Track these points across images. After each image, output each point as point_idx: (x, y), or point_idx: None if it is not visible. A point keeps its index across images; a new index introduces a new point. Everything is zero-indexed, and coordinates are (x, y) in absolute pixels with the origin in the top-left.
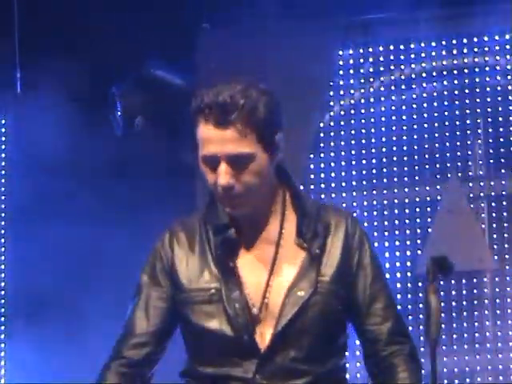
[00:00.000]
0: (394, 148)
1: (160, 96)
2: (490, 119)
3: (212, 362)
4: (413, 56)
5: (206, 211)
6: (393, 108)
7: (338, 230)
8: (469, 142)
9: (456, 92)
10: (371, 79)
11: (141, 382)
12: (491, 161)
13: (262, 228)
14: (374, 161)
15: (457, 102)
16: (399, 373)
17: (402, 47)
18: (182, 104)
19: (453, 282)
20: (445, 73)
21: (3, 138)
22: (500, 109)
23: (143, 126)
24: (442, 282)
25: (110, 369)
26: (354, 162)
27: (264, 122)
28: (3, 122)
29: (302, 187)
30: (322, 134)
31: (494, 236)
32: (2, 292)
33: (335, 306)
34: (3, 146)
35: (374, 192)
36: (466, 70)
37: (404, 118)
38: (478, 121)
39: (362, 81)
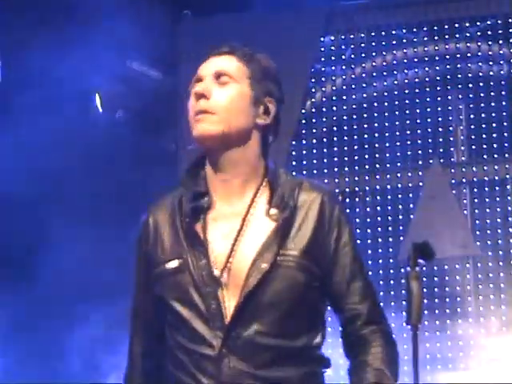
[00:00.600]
0: (376, 134)
1: (137, 88)
2: (471, 105)
3: (184, 338)
4: (394, 42)
5: (185, 179)
6: (375, 94)
7: (312, 205)
8: (451, 128)
9: (438, 78)
10: (353, 66)
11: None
12: (473, 147)
13: (236, 199)
14: (355, 147)
15: (438, 88)
16: (373, 347)
17: (383, 33)
18: (160, 95)
19: (435, 267)
20: (426, 59)
21: None
22: (482, 95)
23: (124, 118)
24: (424, 268)
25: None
26: (335, 149)
27: (260, 69)
28: None
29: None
30: (303, 121)
31: (477, 222)
32: None
33: (303, 280)
34: None
35: (356, 178)
36: (447, 56)
37: (386, 104)
38: (460, 107)
39: (344, 67)
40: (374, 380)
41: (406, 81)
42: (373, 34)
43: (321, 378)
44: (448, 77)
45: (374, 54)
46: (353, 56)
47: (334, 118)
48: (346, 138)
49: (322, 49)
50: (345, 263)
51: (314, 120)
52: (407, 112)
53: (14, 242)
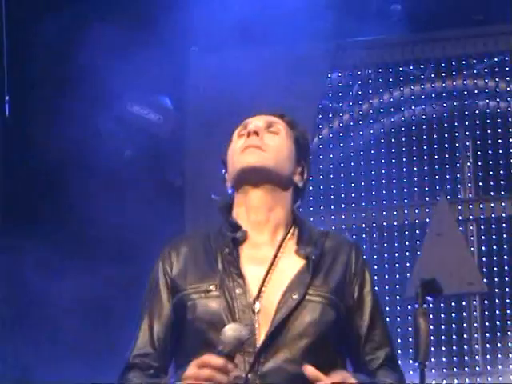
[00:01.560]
0: (383, 170)
1: (139, 132)
2: (478, 142)
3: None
4: (401, 79)
5: (220, 225)
6: (382, 130)
7: (341, 250)
8: (458, 165)
9: (445, 115)
10: (360, 102)
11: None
12: (480, 183)
13: (266, 241)
14: (363, 183)
15: (446, 125)
16: (379, 377)
17: (390, 70)
18: (161, 137)
19: (442, 304)
20: (433, 96)
21: None
22: (489, 131)
23: (132, 158)
24: (431, 305)
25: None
26: (342, 185)
27: (301, 136)
28: None
29: None
30: (310, 157)
31: (483, 259)
32: None
33: (330, 315)
34: None
35: (363, 215)
36: (454, 93)
37: (393, 140)
38: (467, 143)
39: (351, 103)
40: None
41: (413, 117)
42: (380, 70)
43: None
44: (455, 113)
45: (380, 90)
46: (360, 92)
47: (341, 155)
48: (352, 174)
49: (330, 85)
50: (366, 310)
51: (321, 156)
52: (414, 149)
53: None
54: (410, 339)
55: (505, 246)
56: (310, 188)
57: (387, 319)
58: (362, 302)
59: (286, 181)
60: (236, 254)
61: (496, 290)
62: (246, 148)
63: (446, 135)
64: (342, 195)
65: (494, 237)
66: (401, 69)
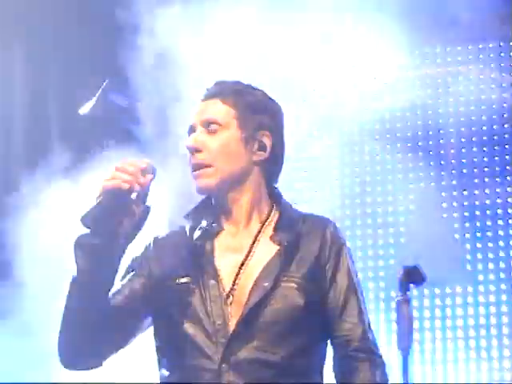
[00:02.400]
0: (367, 157)
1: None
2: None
3: (182, 355)
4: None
5: (195, 209)
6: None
7: (316, 233)
8: (442, 152)
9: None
10: None
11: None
12: (464, 170)
13: (243, 229)
14: (356, 169)
15: (430, 112)
16: (361, 372)
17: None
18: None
19: (425, 291)
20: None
21: None
22: (474, 118)
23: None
24: (414, 292)
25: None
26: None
27: (247, 106)
28: None
29: None
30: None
31: (467, 246)
32: None
33: (302, 302)
34: None
35: (347, 201)
36: (439, 81)
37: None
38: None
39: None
40: None
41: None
42: None
43: None
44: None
45: None
46: None
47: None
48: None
49: None
50: (340, 290)
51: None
52: (398, 135)
53: None
54: (394, 325)
55: (488, 233)
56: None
57: (370, 306)
58: (336, 283)
59: (244, 172)
60: (210, 246)
61: (479, 277)
62: (193, 170)
63: (430, 122)
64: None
65: (477, 224)
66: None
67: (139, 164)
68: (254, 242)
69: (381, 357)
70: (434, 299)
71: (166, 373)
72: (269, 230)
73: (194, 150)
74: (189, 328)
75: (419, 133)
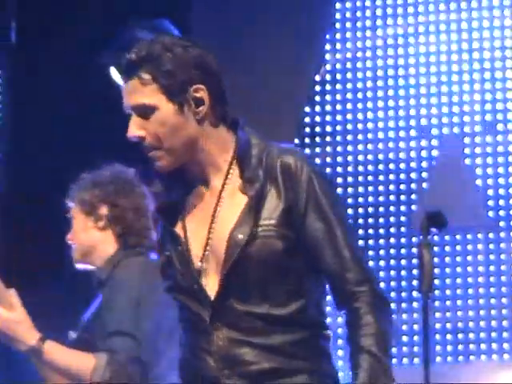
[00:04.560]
0: (391, 102)
1: None
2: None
3: (183, 315)
4: (410, 10)
5: (157, 184)
6: (389, 62)
7: (282, 171)
8: (465, 98)
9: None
10: (368, 33)
11: None
12: (486, 118)
13: (208, 182)
14: (369, 115)
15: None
16: (363, 321)
17: (399, 1)
18: None
19: (447, 237)
20: (442, 27)
21: None
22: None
23: None
24: (435, 237)
25: None
26: (349, 116)
27: (167, 73)
28: None
29: (296, 141)
30: (317, 88)
31: (490, 192)
32: None
33: (281, 247)
34: None
35: (369, 146)
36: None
37: (400, 72)
38: (475, 76)
39: (359, 34)
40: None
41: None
42: (389, 0)
43: (319, 341)
44: (464, 45)
45: (389, 21)
46: (368, 23)
47: (349, 86)
48: (359, 105)
49: (337, 15)
50: (317, 220)
51: (328, 87)
52: (422, 81)
53: None
54: (415, 271)
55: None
56: (317, 119)
57: (391, 251)
58: (308, 217)
59: (191, 136)
60: (177, 217)
61: (501, 223)
62: (146, 153)
63: (454, 67)
64: (349, 126)
65: (499, 170)
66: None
67: None
68: (219, 198)
69: (376, 283)
70: (454, 245)
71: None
72: (235, 176)
73: (139, 141)
74: (181, 297)
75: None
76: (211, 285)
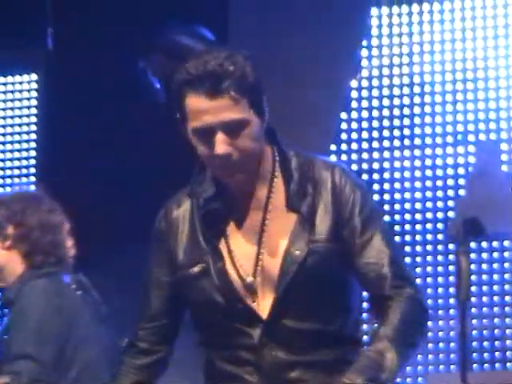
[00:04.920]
0: (427, 108)
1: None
2: None
3: (217, 334)
4: (446, 16)
5: (192, 185)
6: (426, 68)
7: (325, 185)
8: (502, 104)
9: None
10: (404, 39)
11: (160, 364)
12: None
13: (251, 195)
14: (406, 121)
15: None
16: (390, 317)
17: (435, 7)
18: None
19: (484, 244)
20: (479, 33)
21: (34, 95)
22: None
23: None
24: (472, 244)
25: (125, 364)
26: (385, 122)
27: (253, 86)
28: (35, 78)
29: (332, 146)
30: (354, 94)
31: None
32: None
33: (334, 263)
34: (35, 102)
35: (406, 152)
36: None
37: (437, 78)
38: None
39: (396, 40)
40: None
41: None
42: (425, 6)
43: (357, 357)
44: (500, 52)
45: (426, 27)
46: (405, 29)
47: (385, 92)
48: (396, 110)
49: (374, 21)
50: (356, 223)
51: (364, 93)
52: (458, 87)
53: None
54: (452, 278)
55: None
56: (353, 126)
57: (428, 258)
58: (351, 226)
59: (263, 148)
60: (219, 227)
61: None
62: (223, 170)
63: (489, 74)
64: (385, 132)
65: None
66: (446, 6)
67: None
68: (265, 212)
69: (414, 286)
70: (491, 252)
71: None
72: (279, 190)
73: (226, 158)
74: (212, 315)
75: (479, 84)
76: (261, 302)
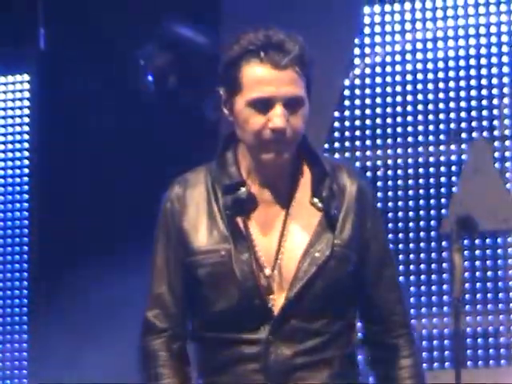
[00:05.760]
0: (420, 106)
1: (185, 55)
2: None
3: (222, 327)
4: (439, 14)
5: (216, 167)
6: (418, 66)
7: (351, 192)
8: (495, 101)
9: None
10: (397, 37)
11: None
12: None
13: (275, 186)
14: (398, 119)
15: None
16: (403, 358)
17: (428, 4)
18: (207, 62)
19: (477, 241)
20: (471, 31)
21: (27, 95)
22: None
23: (176, 85)
24: (466, 241)
25: (159, 347)
26: (378, 120)
27: (310, 68)
28: (27, 78)
29: (325, 145)
30: (346, 92)
31: None
32: None
33: (350, 269)
34: (27, 103)
35: (399, 150)
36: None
37: (430, 76)
38: (505, 80)
39: (388, 39)
40: None
41: (451, 53)
42: (417, 4)
43: (356, 359)
44: (493, 49)
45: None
46: (397, 27)
47: (378, 90)
48: (388, 109)
49: (366, 19)
50: (377, 251)
51: (357, 91)
52: (451, 85)
53: None
54: (445, 275)
55: None
56: (346, 124)
57: (421, 255)
58: (372, 244)
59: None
60: (241, 216)
61: None
62: (269, 145)
63: (483, 71)
64: (378, 131)
65: None
66: (438, 4)
67: None
68: (288, 207)
69: (412, 330)
70: (485, 249)
71: (208, 333)
72: (303, 186)
73: (281, 133)
74: (225, 307)
75: (472, 81)
76: (276, 298)
